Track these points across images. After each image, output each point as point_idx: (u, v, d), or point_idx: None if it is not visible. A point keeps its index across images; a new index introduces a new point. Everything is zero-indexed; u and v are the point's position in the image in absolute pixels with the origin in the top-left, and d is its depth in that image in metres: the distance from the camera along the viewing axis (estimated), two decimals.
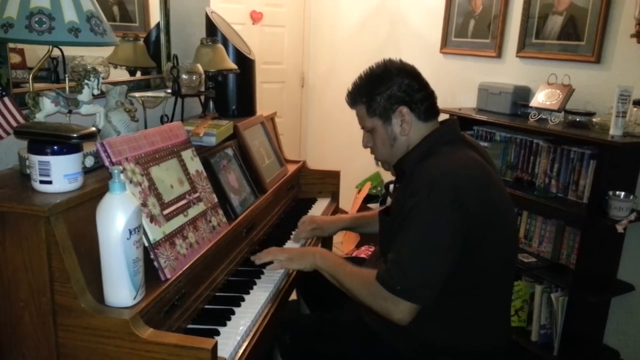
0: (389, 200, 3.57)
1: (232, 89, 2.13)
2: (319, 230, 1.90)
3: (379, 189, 3.70)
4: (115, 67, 1.84)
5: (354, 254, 3.32)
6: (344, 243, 3.66)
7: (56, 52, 1.42)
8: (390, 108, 1.40)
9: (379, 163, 1.54)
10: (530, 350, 2.44)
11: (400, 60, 1.45)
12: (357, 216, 2.01)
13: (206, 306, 1.40)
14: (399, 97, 1.39)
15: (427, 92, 1.43)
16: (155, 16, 1.99)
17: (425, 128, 1.42)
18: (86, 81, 1.24)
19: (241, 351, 1.24)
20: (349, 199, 3.74)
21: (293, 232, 1.91)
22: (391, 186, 3.61)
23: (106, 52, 1.76)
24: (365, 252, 3.24)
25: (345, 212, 3.42)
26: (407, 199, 1.29)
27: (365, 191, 3.66)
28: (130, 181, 1.21)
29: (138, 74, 1.94)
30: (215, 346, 1.03)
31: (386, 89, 1.40)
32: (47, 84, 1.51)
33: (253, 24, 4.02)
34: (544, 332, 2.47)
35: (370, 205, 3.59)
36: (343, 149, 4.19)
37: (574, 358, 2.33)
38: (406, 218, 1.28)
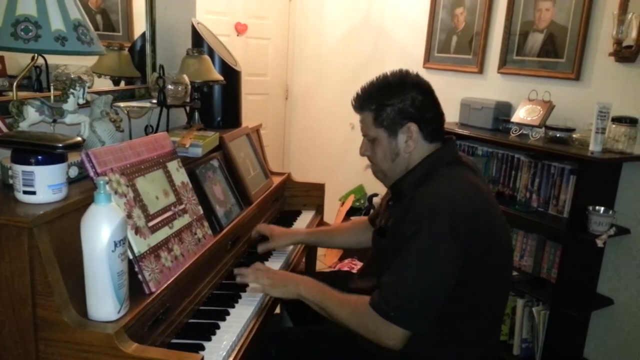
0: (372, 213, 3.58)
1: (217, 100, 2.12)
2: (271, 242, 1.81)
3: (362, 201, 3.70)
4: (99, 76, 1.82)
5: (337, 267, 3.31)
6: (327, 256, 3.65)
7: (39, 60, 1.39)
8: (399, 122, 1.37)
9: (379, 175, 1.49)
10: None
11: (417, 74, 1.41)
12: (314, 231, 1.97)
13: (190, 320, 1.37)
14: (410, 112, 1.35)
15: (437, 112, 1.40)
16: (139, 26, 1.98)
17: (428, 149, 1.39)
18: (71, 90, 1.23)
19: None
20: (333, 212, 3.73)
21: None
22: (374, 199, 3.62)
23: (90, 61, 1.74)
24: (348, 265, 3.24)
25: (329, 225, 3.41)
26: (406, 225, 1.26)
27: (348, 204, 3.66)
28: (115, 192, 1.19)
29: (122, 84, 1.92)
30: None
31: (399, 102, 1.35)
32: (29, 92, 1.48)
33: (238, 35, 4.03)
34: (525, 345, 2.49)
35: (353, 218, 3.59)
36: (326, 162, 4.20)
37: None
38: (404, 245, 1.25)
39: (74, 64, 1.63)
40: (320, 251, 3.62)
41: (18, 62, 1.48)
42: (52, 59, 1.50)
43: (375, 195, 3.67)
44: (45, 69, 1.52)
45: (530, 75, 2.65)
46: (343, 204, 3.75)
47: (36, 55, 1.21)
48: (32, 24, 1.07)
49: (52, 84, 1.31)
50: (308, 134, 4.43)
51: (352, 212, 3.66)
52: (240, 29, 4.04)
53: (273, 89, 4.40)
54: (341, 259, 3.47)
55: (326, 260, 3.63)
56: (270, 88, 4.37)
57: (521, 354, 2.48)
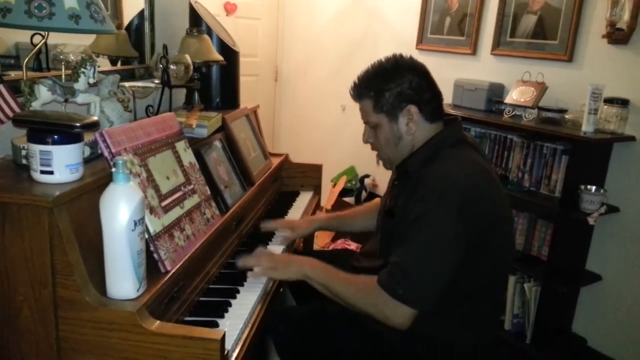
0: (364, 194, 3.62)
1: (215, 81, 2.11)
2: (295, 233, 1.83)
3: (353, 182, 3.73)
4: (97, 56, 1.80)
5: (330, 247, 3.35)
6: (319, 237, 3.68)
7: (37, 40, 1.36)
8: (398, 106, 1.39)
9: (380, 162, 1.52)
10: (504, 339, 2.52)
11: (411, 57, 1.44)
12: (333, 216, 2.00)
13: (202, 298, 1.39)
14: (409, 95, 1.37)
15: (435, 92, 1.42)
16: (128, 6, 1.93)
17: (431, 129, 1.41)
18: (82, 69, 1.21)
19: (241, 342, 1.24)
20: (325, 193, 3.75)
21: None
22: (366, 180, 3.65)
23: (87, 40, 1.71)
24: (341, 244, 3.27)
25: (321, 207, 3.43)
26: (414, 203, 1.29)
27: (340, 185, 3.69)
28: (130, 172, 1.18)
29: (118, 64, 1.90)
30: (223, 337, 1.03)
31: (396, 86, 1.37)
32: (29, 72, 1.45)
33: (227, 15, 3.97)
34: (516, 321, 2.56)
35: (345, 199, 3.62)
36: (317, 143, 4.20)
37: (545, 346, 2.43)
38: (413, 223, 1.27)
39: (72, 44, 1.61)
40: None
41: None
42: (50, 38, 1.48)
43: (367, 176, 3.70)
44: (45, 48, 1.49)
45: (524, 57, 2.68)
46: (335, 185, 3.78)
47: (47, 33, 1.19)
48: (46, 1, 1.05)
49: (62, 64, 1.29)
50: (298, 115, 4.42)
51: (344, 193, 3.69)
52: (230, 9, 3.99)
53: (263, 70, 4.36)
54: (334, 239, 3.51)
55: (318, 240, 3.66)
56: (259, 69, 4.33)
57: (512, 329, 2.56)
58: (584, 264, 2.50)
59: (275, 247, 1.79)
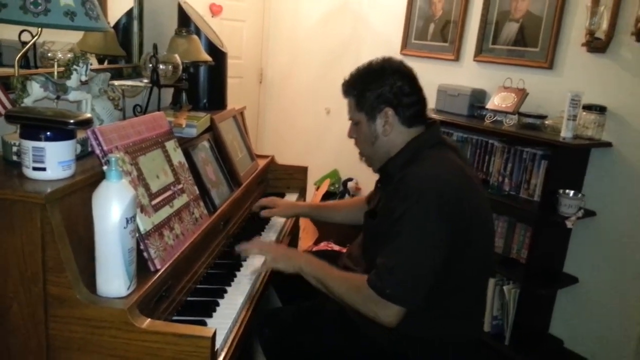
0: (347, 197, 3.64)
1: (203, 82, 2.12)
2: (276, 209, 1.92)
3: (337, 186, 3.75)
4: (85, 54, 1.79)
5: (313, 250, 3.36)
6: (302, 239, 3.69)
7: (26, 37, 1.35)
8: (377, 107, 1.43)
9: (363, 159, 1.57)
10: (483, 340, 2.56)
11: (401, 62, 1.48)
12: (317, 205, 2.04)
13: (189, 298, 1.39)
14: (388, 98, 1.42)
15: (417, 97, 1.45)
16: (112, 4, 1.92)
17: (408, 133, 1.45)
18: (75, 66, 1.21)
19: (230, 341, 1.25)
20: (308, 196, 3.77)
21: (266, 226, 1.94)
22: (349, 184, 3.68)
23: (75, 38, 1.70)
24: (324, 247, 3.28)
25: None
26: (396, 204, 1.32)
27: (324, 188, 3.70)
28: (121, 170, 1.19)
29: (105, 63, 1.89)
30: (214, 335, 1.04)
31: (377, 87, 1.42)
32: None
33: (212, 16, 3.97)
34: (495, 322, 2.61)
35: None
36: (301, 146, 4.21)
37: (523, 347, 2.48)
38: (396, 223, 1.30)
39: (61, 41, 1.60)
40: None
41: None
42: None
43: (350, 179, 3.73)
44: (33, 45, 1.48)
45: (505, 64, 2.74)
46: (318, 188, 3.79)
47: (40, 30, 1.18)
48: None
49: (55, 61, 1.28)
50: (283, 118, 4.43)
51: (328, 196, 3.71)
52: (215, 10, 3.99)
53: (247, 72, 4.36)
54: (316, 242, 3.52)
55: (302, 242, 3.67)
56: (244, 71, 4.33)
57: (492, 330, 2.60)
58: (562, 267, 2.56)
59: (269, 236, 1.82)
